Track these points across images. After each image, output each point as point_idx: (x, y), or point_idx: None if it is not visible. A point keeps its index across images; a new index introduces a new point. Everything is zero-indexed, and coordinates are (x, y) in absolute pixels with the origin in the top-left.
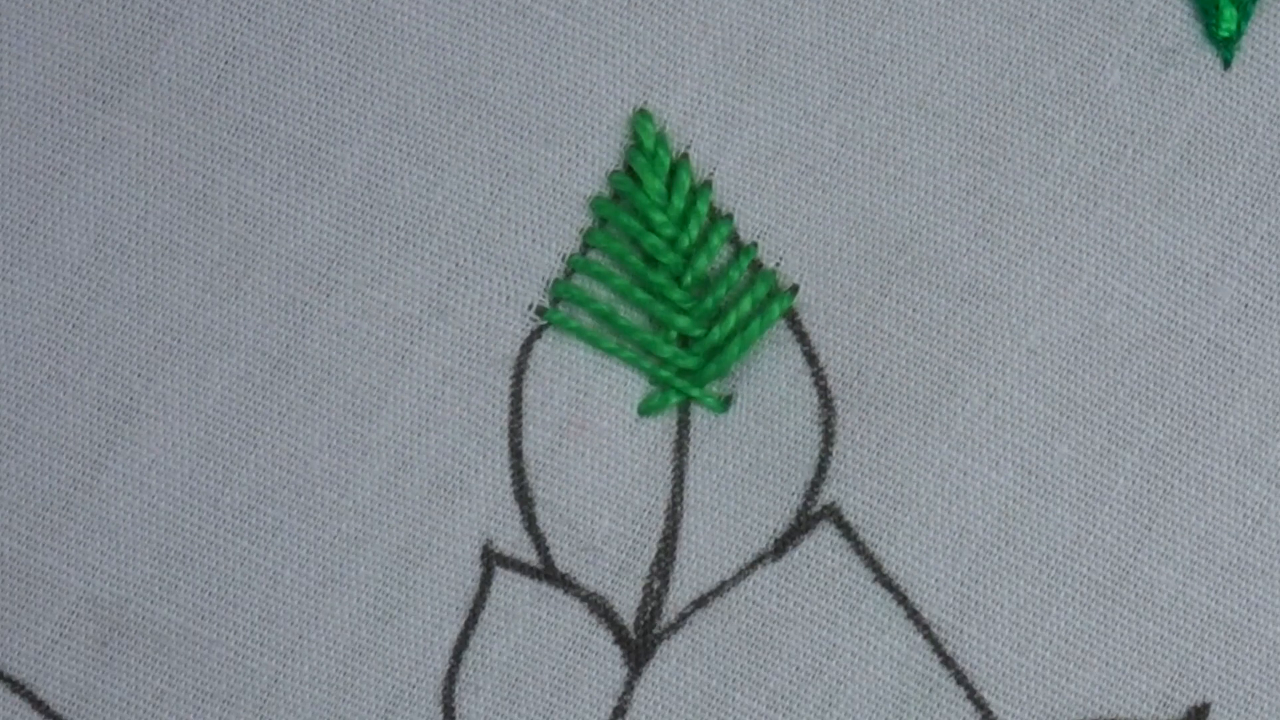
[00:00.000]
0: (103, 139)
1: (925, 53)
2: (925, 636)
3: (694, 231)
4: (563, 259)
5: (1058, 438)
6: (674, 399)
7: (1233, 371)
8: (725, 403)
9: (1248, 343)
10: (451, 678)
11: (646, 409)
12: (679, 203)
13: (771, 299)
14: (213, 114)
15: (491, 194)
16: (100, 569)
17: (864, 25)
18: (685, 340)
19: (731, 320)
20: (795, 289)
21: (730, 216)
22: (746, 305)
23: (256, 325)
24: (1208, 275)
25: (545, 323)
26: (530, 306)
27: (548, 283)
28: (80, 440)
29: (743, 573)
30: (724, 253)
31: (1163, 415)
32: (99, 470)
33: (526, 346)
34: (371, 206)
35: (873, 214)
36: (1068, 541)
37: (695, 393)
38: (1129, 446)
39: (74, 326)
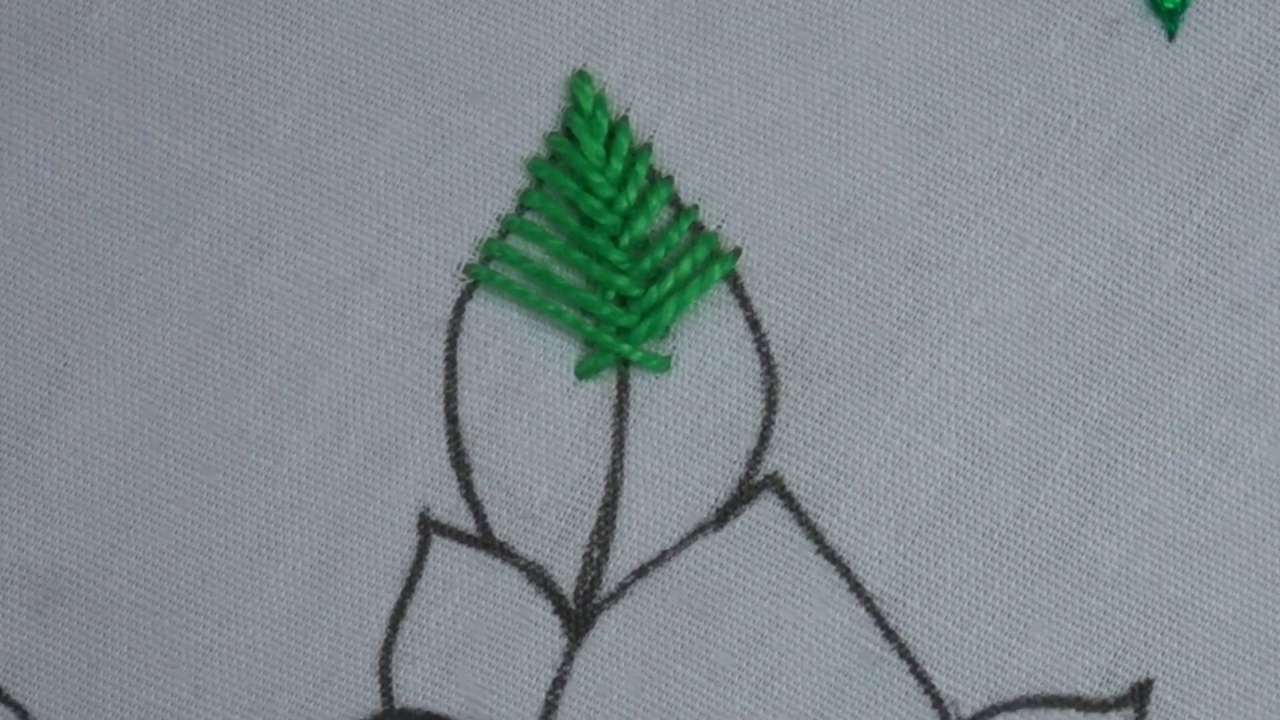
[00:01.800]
0: (34, 101)
1: (870, 18)
2: (868, 609)
3: (632, 193)
4: (498, 220)
5: (1001, 410)
6: (610, 359)
7: (1176, 346)
8: (663, 362)
9: (1191, 317)
10: (388, 647)
11: (583, 371)
12: (617, 164)
13: (713, 260)
14: (146, 76)
15: (427, 156)
16: (35, 536)
17: None
18: (623, 301)
19: (670, 281)
20: (738, 251)
21: (671, 179)
22: (686, 266)
23: (190, 289)
24: (1152, 248)
25: (472, 280)
26: (459, 265)
27: (482, 244)
28: (14, 407)
29: (684, 542)
30: (664, 215)
31: (1106, 389)
32: (33, 437)
33: (458, 308)
34: (305, 168)
35: (816, 179)
36: (1011, 516)
37: (630, 351)
38: (1072, 420)
39: (6, 292)
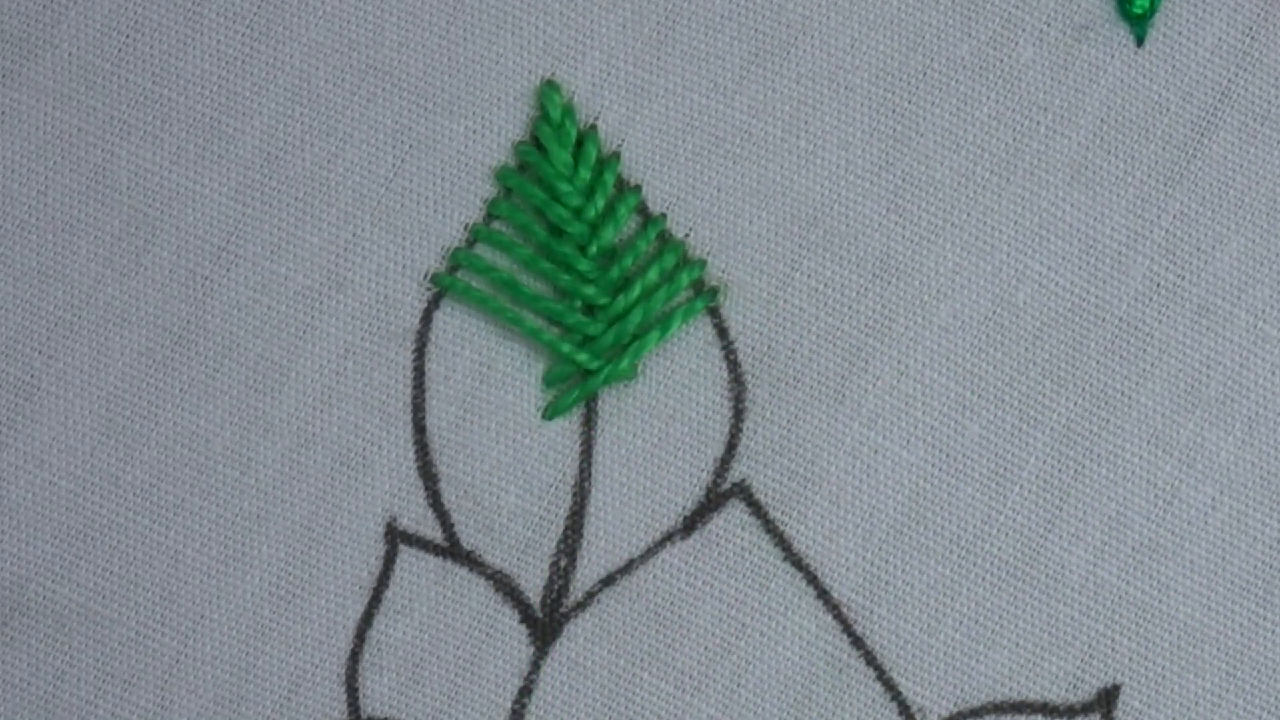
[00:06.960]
0: (2, 113)
1: (838, 26)
2: (835, 616)
3: (600, 202)
4: (466, 229)
5: (968, 416)
6: (576, 369)
7: (1144, 351)
8: (629, 371)
9: (1160, 322)
10: (355, 657)
11: (551, 380)
12: (585, 173)
13: (680, 269)
14: (113, 88)
15: (394, 166)
16: (0, 549)
17: None
18: (590, 309)
19: (637, 289)
20: (704, 262)
21: (639, 187)
22: (654, 275)
23: (157, 300)
24: (1120, 254)
25: (439, 289)
26: (426, 275)
27: (450, 253)
28: None
29: (651, 551)
30: (633, 223)
31: (1074, 394)
32: None
33: (426, 318)
34: (272, 179)
35: (784, 187)
36: (978, 521)
37: (589, 361)
38: (1039, 426)
39: None
